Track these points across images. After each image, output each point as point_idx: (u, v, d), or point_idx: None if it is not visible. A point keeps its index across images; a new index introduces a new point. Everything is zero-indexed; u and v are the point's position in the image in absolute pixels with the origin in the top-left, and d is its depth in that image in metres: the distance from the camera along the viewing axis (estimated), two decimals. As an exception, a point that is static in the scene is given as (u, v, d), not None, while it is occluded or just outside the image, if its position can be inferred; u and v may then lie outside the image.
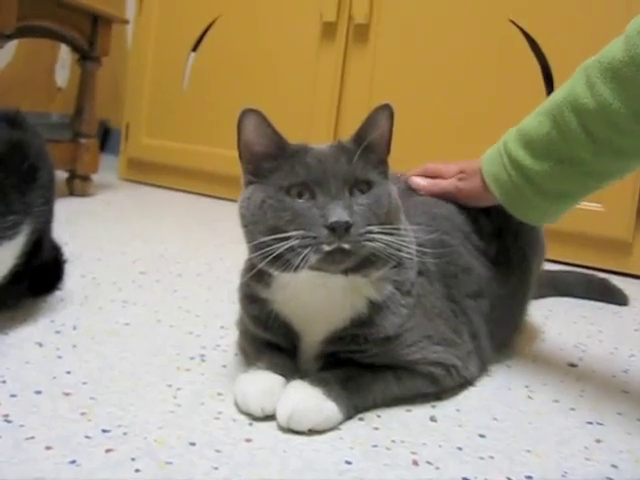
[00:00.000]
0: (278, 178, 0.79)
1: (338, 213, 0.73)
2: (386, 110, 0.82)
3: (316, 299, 0.82)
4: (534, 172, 0.94)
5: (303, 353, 0.87)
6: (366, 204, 0.78)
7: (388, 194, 0.81)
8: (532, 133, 0.94)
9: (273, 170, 0.80)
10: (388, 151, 0.85)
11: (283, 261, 0.76)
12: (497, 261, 1.02)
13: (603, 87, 0.86)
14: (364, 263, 0.79)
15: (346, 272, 0.79)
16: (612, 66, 0.85)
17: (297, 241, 0.74)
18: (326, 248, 0.74)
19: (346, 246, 0.74)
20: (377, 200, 0.79)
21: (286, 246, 0.74)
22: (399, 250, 0.80)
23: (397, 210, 0.83)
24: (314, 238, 0.74)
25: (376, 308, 0.83)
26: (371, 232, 0.76)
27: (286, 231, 0.75)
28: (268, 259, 0.76)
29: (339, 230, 0.73)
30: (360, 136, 0.81)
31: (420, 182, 1.07)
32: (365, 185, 0.79)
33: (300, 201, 0.77)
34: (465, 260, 0.97)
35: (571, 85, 0.91)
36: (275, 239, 0.75)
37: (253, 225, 0.79)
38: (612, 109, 0.85)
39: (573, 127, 0.89)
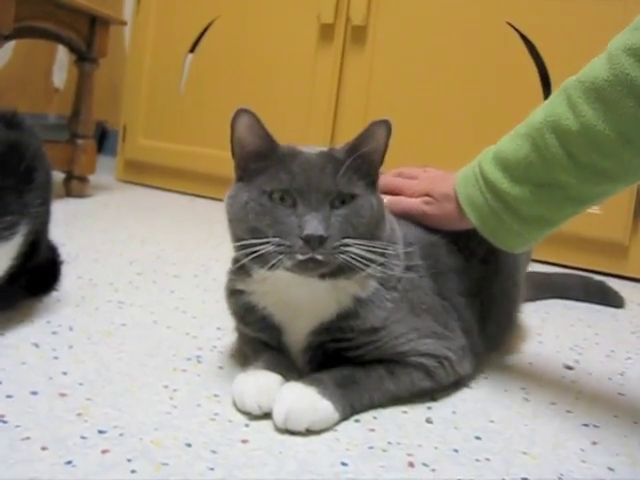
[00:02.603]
0: (263, 181, 0.81)
1: (314, 226, 0.75)
2: (384, 125, 0.82)
3: (298, 296, 0.84)
4: (512, 196, 0.89)
5: (289, 347, 0.87)
6: (345, 215, 0.79)
7: (371, 206, 0.82)
8: (510, 156, 0.89)
9: (260, 171, 0.82)
10: (381, 164, 0.86)
11: (261, 259, 0.79)
12: (486, 260, 1.02)
13: (586, 108, 0.82)
14: (339, 270, 0.80)
15: (323, 277, 0.80)
16: (595, 86, 0.81)
17: (272, 247, 0.77)
18: (299, 257, 0.76)
19: (319, 257, 0.76)
20: (357, 212, 0.80)
21: (263, 250, 0.77)
22: (370, 263, 0.80)
23: (379, 221, 0.84)
24: (289, 247, 0.76)
25: (362, 303, 0.84)
26: (346, 245, 0.78)
27: (265, 235, 0.78)
28: (248, 257, 0.79)
29: (313, 242, 0.75)
30: (353, 147, 0.82)
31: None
32: (348, 197, 0.80)
33: (280, 207, 0.79)
34: (453, 260, 0.98)
35: (551, 106, 0.87)
36: (254, 241, 0.78)
37: (236, 222, 0.83)
38: (596, 130, 0.81)
39: (554, 150, 0.85)
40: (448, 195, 0.97)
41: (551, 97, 0.88)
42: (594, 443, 0.82)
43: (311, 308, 0.84)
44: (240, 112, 0.81)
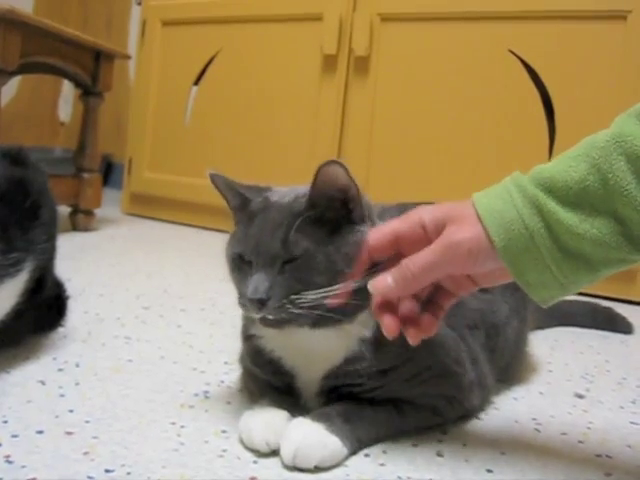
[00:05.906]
0: (232, 241, 0.84)
1: (253, 289, 0.77)
2: (334, 164, 0.81)
3: (304, 340, 0.82)
4: (556, 217, 0.70)
5: (302, 391, 0.87)
6: (292, 272, 0.77)
7: (326, 256, 0.78)
8: (558, 178, 0.71)
9: (238, 223, 0.85)
10: (355, 200, 0.82)
11: None
12: (489, 290, 1.01)
13: None
14: (322, 320, 0.78)
15: (313, 326, 0.79)
16: None
17: (240, 304, 0.81)
18: (255, 316, 0.78)
19: (269, 316, 0.77)
20: (308, 266, 0.77)
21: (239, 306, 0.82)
22: (333, 310, 0.78)
23: (350, 261, 0.78)
24: (245, 306, 0.79)
25: (367, 344, 0.82)
26: (292, 302, 0.76)
27: (238, 291, 0.82)
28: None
29: (255, 304, 0.77)
30: (311, 197, 0.81)
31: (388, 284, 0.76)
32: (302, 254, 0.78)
33: (243, 267, 0.81)
34: None
35: (618, 128, 0.70)
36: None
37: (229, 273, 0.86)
38: None
39: (621, 175, 0.67)
40: (458, 216, 0.75)
41: (615, 122, 0.72)
42: (607, 474, 0.81)
43: (320, 353, 0.83)
44: (212, 176, 0.85)
